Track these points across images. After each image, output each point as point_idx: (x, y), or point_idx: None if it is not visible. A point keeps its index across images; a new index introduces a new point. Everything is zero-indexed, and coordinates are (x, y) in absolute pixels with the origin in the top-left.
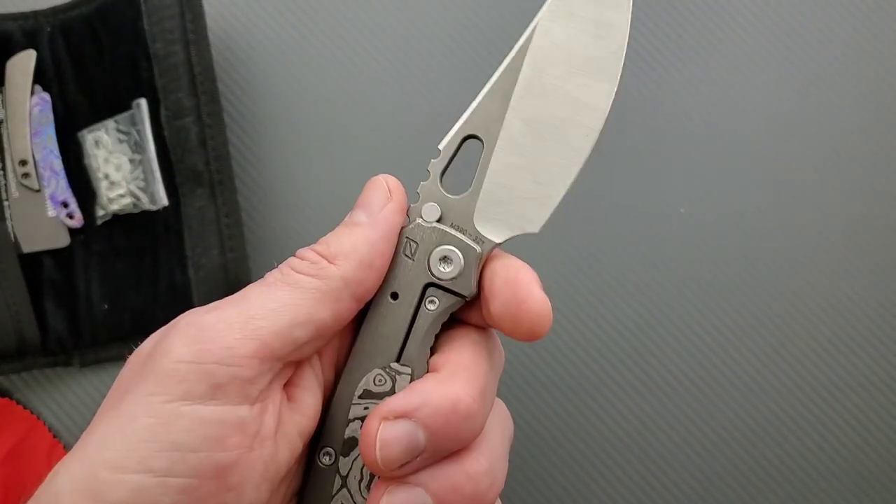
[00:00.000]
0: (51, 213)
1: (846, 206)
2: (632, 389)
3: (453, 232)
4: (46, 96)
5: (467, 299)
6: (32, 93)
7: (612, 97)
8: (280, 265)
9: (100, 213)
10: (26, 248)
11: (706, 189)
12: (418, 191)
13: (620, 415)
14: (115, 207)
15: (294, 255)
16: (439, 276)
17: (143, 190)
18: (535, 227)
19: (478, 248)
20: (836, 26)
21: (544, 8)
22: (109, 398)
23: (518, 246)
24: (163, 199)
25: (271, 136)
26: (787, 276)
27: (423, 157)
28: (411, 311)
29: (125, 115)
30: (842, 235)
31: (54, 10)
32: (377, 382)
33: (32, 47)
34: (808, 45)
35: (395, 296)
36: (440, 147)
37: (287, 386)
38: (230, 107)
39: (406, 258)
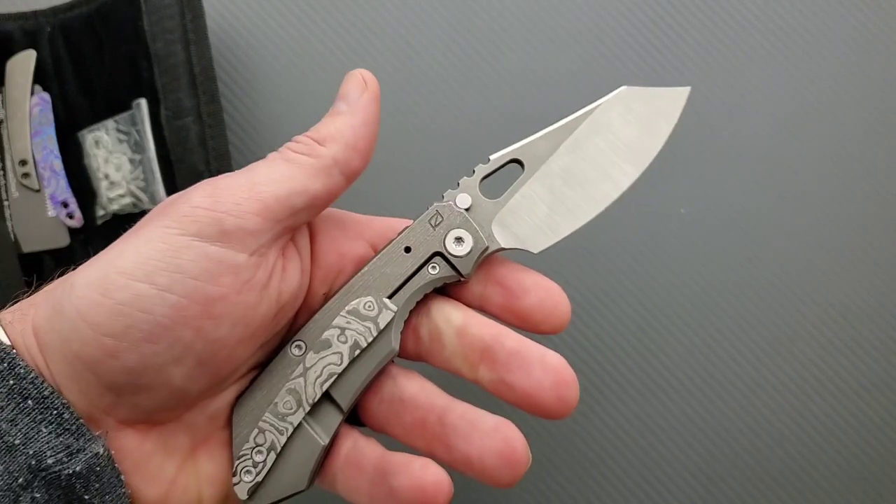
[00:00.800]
0: (51, 213)
1: (846, 206)
2: (632, 389)
3: (473, 223)
4: (46, 96)
5: (462, 279)
6: (32, 93)
7: (633, 180)
8: (280, 148)
9: (100, 212)
10: (26, 248)
11: (706, 189)
12: (459, 181)
13: (621, 414)
14: (115, 207)
15: (290, 141)
16: (449, 251)
17: (144, 190)
18: (536, 249)
19: (486, 244)
20: (836, 26)
21: (614, 94)
22: (129, 230)
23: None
24: (163, 199)
25: (271, 135)
26: (788, 276)
27: (423, 156)
28: (416, 266)
29: (125, 114)
30: (842, 235)
31: (54, 10)
32: (366, 308)
33: (32, 47)
34: (808, 45)
35: (408, 249)
36: (490, 157)
37: (280, 256)
38: (230, 107)
39: (429, 225)
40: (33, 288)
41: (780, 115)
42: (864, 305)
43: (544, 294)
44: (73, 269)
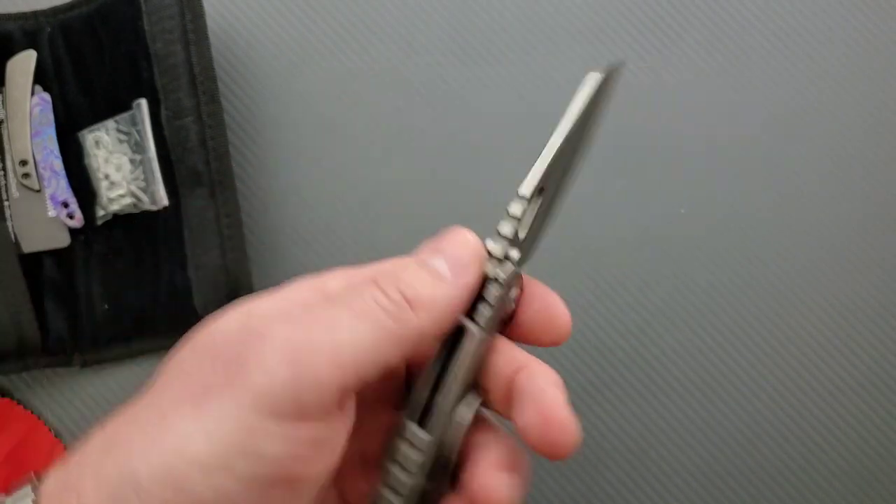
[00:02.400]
0: (51, 213)
1: (846, 206)
2: (632, 390)
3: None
4: (47, 96)
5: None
6: (33, 93)
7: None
8: (363, 288)
9: (100, 213)
10: (27, 248)
11: (706, 189)
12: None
13: (620, 415)
14: (115, 207)
15: (376, 281)
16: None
17: (144, 190)
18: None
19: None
20: (837, 26)
21: (588, 83)
22: (177, 385)
23: None
24: (163, 200)
25: (271, 136)
26: (788, 277)
27: (423, 156)
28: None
29: (125, 115)
30: (842, 235)
31: (54, 10)
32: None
33: (33, 47)
34: (808, 45)
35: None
36: (523, 194)
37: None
38: (230, 107)
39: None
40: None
41: (781, 116)
42: (864, 305)
43: (540, 305)
44: (108, 429)
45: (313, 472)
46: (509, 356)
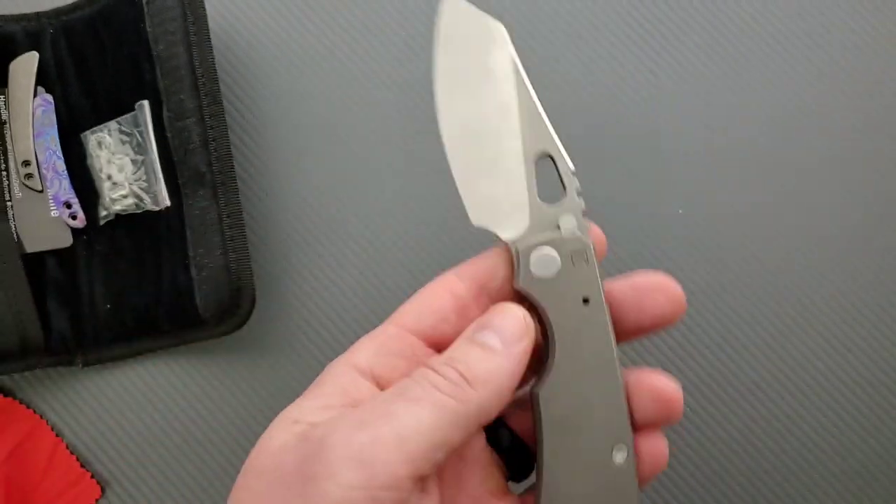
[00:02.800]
0: (54, 213)
1: (846, 207)
2: None
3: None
4: (49, 98)
5: None
6: (35, 94)
7: None
8: (419, 375)
9: (102, 213)
10: (29, 248)
11: (705, 189)
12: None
13: None
14: (117, 208)
15: (430, 367)
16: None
17: (146, 191)
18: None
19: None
20: (836, 27)
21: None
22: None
23: None
24: (165, 200)
25: (273, 137)
26: (787, 277)
27: (423, 156)
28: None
29: (128, 116)
30: (841, 236)
31: (57, 12)
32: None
33: (35, 49)
34: (808, 45)
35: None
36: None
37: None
38: (232, 108)
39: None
40: None
41: (780, 116)
42: (863, 306)
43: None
44: None
45: None
46: None
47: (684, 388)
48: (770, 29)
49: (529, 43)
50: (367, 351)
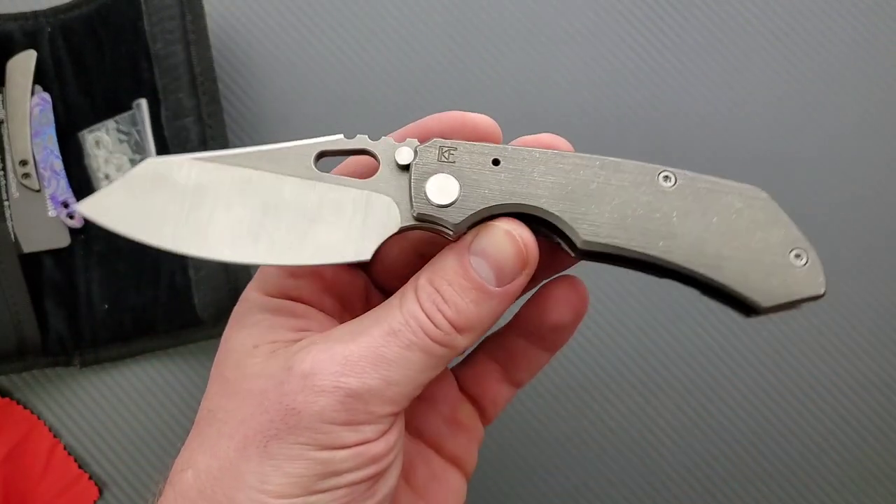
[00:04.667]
0: (51, 213)
1: (847, 207)
2: (633, 390)
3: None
4: (47, 96)
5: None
6: (33, 93)
7: None
8: (410, 316)
9: None
10: (27, 248)
11: None
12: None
13: (621, 415)
14: None
15: (421, 308)
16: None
17: None
18: None
19: None
20: (837, 26)
21: None
22: (232, 434)
23: None
24: None
25: (271, 135)
26: None
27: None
28: None
29: (126, 115)
30: (842, 236)
31: (55, 11)
32: None
33: (33, 47)
34: (808, 45)
35: None
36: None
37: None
38: (230, 107)
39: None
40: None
41: (781, 115)
42: (864, 306)
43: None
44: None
45: (383, 482)
46: None
47: (684, 388)
48: (772, 27)
49: (531, 41)
50: (272, 275)
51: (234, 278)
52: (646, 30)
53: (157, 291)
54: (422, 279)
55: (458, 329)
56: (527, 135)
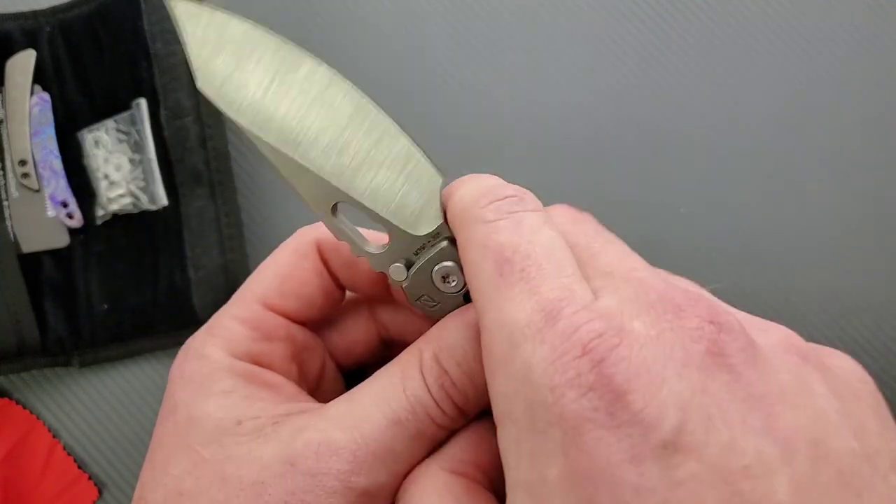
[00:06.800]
0: (50, 213)
1: (847, 207)
2: None
3: (425, 260)
4: (46, 96)
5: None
6: (32, 92)
7: None
8: (415, 405)
9: (99, 213)
10: (26, 248)
11: (706, 189)
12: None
13: None
14: (114, 207)
15: (431, 395)
16: (453, 292)
17: (143, 190)
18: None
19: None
20: (837, 26)
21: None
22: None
23: None
24: (162, 199)
25: None
26: (788, 277)
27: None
28: None
29: (125, 114)
30: (843, 236)
31: (54, 10)
32: None
33: (32, 47)
34: (809, 44)
35: None
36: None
37: None
38: None
39: (431, 307)
40: None
41: (781, 115)
42: (865, 306)
43: None
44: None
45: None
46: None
47: None
48: (772, 27)
49: (530, 41)
50: (237, 336)
51: (233, 279)
52: (646, 29)
53: (156, 291)
54: (426, 355)
55: (467, 413)
56: (527, 136)
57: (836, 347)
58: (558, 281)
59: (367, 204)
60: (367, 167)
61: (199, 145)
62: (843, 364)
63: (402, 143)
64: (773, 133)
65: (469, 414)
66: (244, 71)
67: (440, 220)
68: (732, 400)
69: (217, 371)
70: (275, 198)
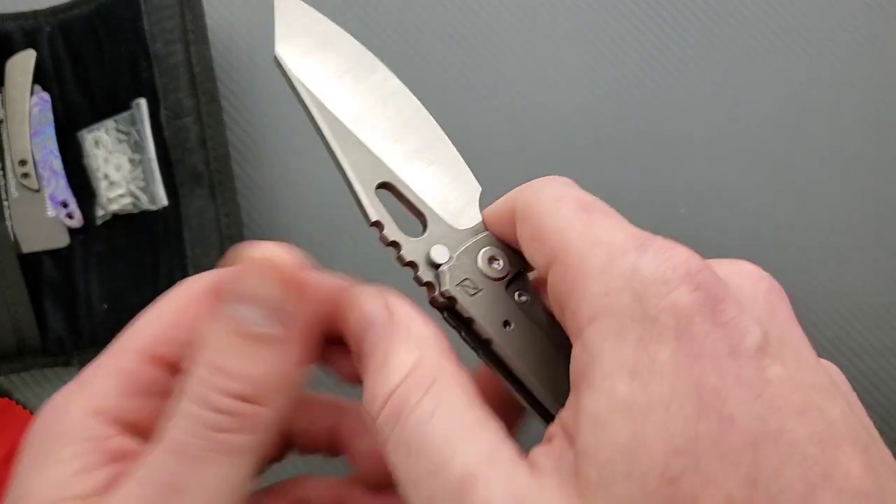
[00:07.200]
0: (50, 213)
1: (847, 207)
2: None
3: (471, 243)
4: (46, 96)
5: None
6: (32, 92)
7: None
8: (186, 422)
9: (99, 213)
10: (26, 248)
11: (706, 189)
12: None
13: None
14: (114, 207)
15: (200, 401)
16: (498, 276)
17: (143, 190)
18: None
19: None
20: (837, 26)
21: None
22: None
23: None
24: (162, 199)
25: (271, 136)
26: (788, 277)
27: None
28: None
29: (125, 114)
30: (843, 236)
31: (54, 10)
32: None
33: (32, 47)
34: (809, 44)
35: (506, 324)
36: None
37: None
38: (230, 107)
39: (472, 294)
40: None
41: (782, 115)
42: (865, 306)
43: None
44: None
45: None
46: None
47: None
48: (772, 26)
49: (530, 41)
50: (109, 391)
51: None
52: (646, 29)
53: (156, 291)
54: (190, 371)
55: (250, 398)
56: (528, 136)
57: (837, 347)
58: (636, 229)
59: (415, 189)
60: (420, 160)
61: (199, 145)
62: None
63: (451, 151)
64: (773, 133)
65: (260, 399)
66: (325, 54)
67: (480, 220)
68: (791, 335)
69: (68, 433)
70: (275, 198)
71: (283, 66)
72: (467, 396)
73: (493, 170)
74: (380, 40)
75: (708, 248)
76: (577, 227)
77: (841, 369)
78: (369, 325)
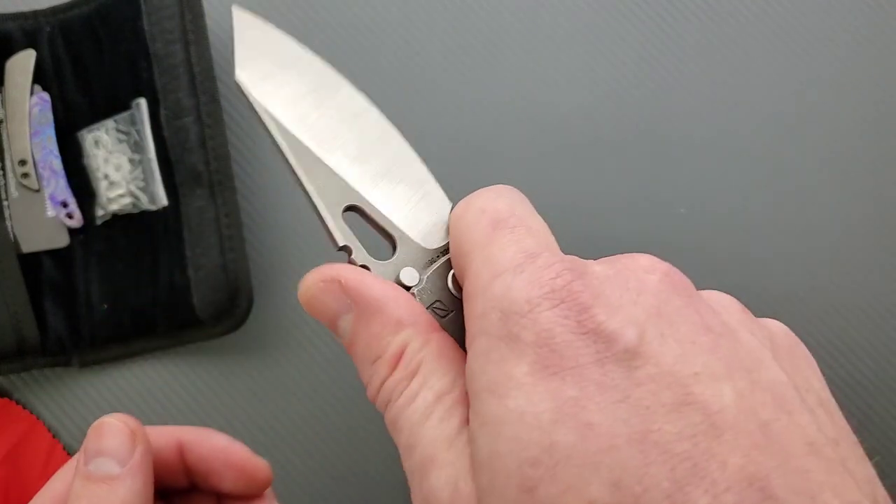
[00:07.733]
0: (50, 213)
1: (847, 207)
2: None
3: (440, 263)
4: (46, 96)
5: None
6: (32, 92)
7: None
8: None
9: (99, 213)
10: (26, 248)
11: (706, 189)
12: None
13: None
14: (114, 207)
15: None
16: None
17: (143, 190)
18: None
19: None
20: (837, 26)
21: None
22: None
23: None
24: (162, 200)
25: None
26: (788, 278)
27: (422, 157)
28: None
29: (125, 114)
30: (842, 236)
31: (54, 10)
32: None
33: (32, 47)
34: (809, 45)
35: None
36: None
37: None
38: (230, 107)
39: (443, 317)
40: None
41: (781, 115)
42: (865, 306)
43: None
44: None
45: None
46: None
47: None
48: (772, 26)
49: (530, 41)
50: None
51: (233, 278)
52: (646, 29)
53: (156, 291)
54: None
55: None
56: (527, 136)
57: (836, 348)
58: (539, 239)
59: (382, 211)
60: (387, 180)
61: (199, 145)
62: (775, 325)
63: (420, 168)
64: (773, 133)
65: None
66: (286, 75)
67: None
68: (683, 322)
69: None
70: (275, 198)
71: (245, 91)
72: (451, 375)
73: (493, 170)
74: (379, 40)
75: (707, 248)
76: (481, 244)
77: (840, 369)
78: (347, 321)
